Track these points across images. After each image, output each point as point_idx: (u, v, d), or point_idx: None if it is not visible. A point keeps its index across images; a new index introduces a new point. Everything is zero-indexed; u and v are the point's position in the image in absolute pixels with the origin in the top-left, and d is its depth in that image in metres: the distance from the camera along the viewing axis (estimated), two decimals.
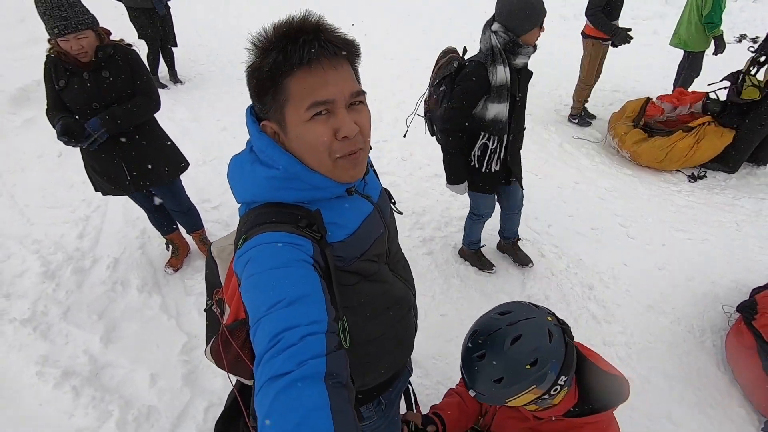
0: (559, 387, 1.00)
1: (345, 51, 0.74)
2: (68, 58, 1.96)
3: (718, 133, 3.58)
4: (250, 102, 0.81)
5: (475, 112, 2.09)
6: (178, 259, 2.72)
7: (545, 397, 1.01)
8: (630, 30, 3.88)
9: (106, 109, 2.07)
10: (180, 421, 1.95)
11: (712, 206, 3.41)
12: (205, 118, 4.57)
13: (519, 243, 2.87)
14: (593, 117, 4.61)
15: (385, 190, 1.02)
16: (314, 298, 0.66)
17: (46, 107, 2.08)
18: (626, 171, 3.86)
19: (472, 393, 1.06)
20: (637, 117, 4.07)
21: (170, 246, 2.73)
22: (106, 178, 2.27)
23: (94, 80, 2.02)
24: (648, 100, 4.10)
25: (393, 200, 1.01)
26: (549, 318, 1.05)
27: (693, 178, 3.68)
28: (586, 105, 4.61)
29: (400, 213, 1.07)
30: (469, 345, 1.07)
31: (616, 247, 3.03)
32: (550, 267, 2.87)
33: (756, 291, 2.42)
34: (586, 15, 4.01)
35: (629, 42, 3.90)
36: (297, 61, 0.69)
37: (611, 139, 4.10)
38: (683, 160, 3.65)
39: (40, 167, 3.77)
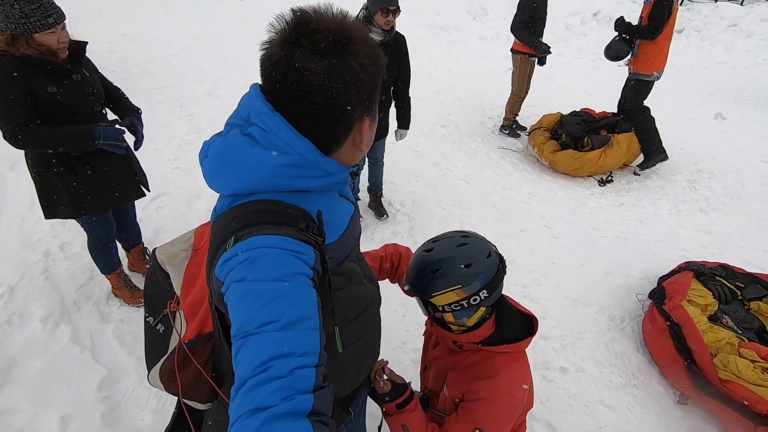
0: (479, 299, 1.13)
1: None
2: (47, 56, 1.71)
3: (625, 141, 4.03)
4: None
5: None
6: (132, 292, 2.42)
7: (465, 304, 1.13)
8: (549, 46, 4.25)
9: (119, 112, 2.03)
10: None
11: (620, 207, 3.80)
12: None
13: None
14: (524, 129, 4.91)
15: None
16: (310, 323, 0.61)
17: (13, 124, 1.69)
18: (546, 177, 4.19)
19: (407, 287, 1.21)
20: (552, 129, 4.46)
21: (123, 284, 2.41)
22: (117, 187, 2.11)
23: (86, 80, 1.85)
24: (561, 114, 4.52)
25: (357, 193, 0.99)
26: (494, 247, 1.20)
27: (602, 182, 4.09)
28: (517, 118, 4.93)
29: (360, 217, 1.05)
30: (422, 245, 1.23)
31: (544, 247, 3.24)
32: None
33: (662, 279, 2.72)
34: (512, 31, 4.33)
35: (550, 53, 4.27)
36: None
37: (531, 148, 4.44)
38: (595, 167, 4.05)
39: None
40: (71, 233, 2.79)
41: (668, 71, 8.22)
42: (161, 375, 0.91)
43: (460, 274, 1.11)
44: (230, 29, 7.95)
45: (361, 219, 3.08)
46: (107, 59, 5.69)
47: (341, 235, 0.79)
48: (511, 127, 4.88)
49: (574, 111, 4.55)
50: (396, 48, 2.68)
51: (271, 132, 0.69)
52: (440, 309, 1.16)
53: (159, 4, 8.54)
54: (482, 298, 1.13)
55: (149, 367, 0.99)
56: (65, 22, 1.75)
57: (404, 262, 1.39)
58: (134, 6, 8.31)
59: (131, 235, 2.49)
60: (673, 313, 2.32)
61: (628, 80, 4.19)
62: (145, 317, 1.05)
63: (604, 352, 2.47)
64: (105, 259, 2.30)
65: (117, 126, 1.95)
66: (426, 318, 1.46)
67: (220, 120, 3.35)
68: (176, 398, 0.95)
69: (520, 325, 1.23)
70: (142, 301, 2.34)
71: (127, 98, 2.17)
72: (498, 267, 1.15)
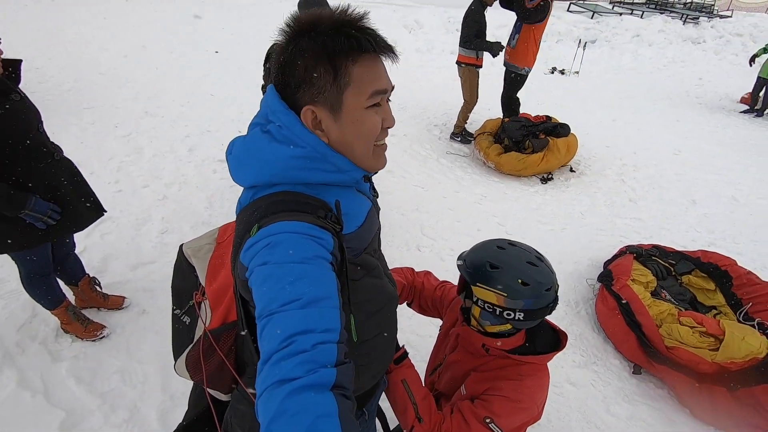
0: (512, 315, 1.13)
1: (393, 48, 0.76)
2: None
3: (564, 145, 4.37)
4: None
5: None
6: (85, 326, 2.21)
7: (497, 312, 1.14)
8: (500, 42, 4.54)
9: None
10: None
11: (562, 202, 4.12)
12: None
13: None
14: (471, 135, 5.15)
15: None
16: (330, 302, 0.64)
17: None
18: (494, 179, 4.43)
19: (459, 262, 1.21)
20: (495, 133, 4.74)
21: (73, 318, 2.18)
22: (75, 209, 1.94)
23: (25, 100, 1.74)
24: (502, 120, 4.83)
25: (376, 194, 1.01)
26: (557, 286, 1.19)
27: (544, 180, 4.40)
28: (466, 125, 5.17)
29: (378, 209, 1.07)
30: (498, 239, 1.23)
31: None
32: (450, 268, 3.08)
33: (607, 263, 2.99)
34: (465, 46, 4.58)
35: (503, 48, 4.56)
36: (367, 47, 0.71)
37: (478, 152, 4.68)
38: (537, 168, 4.35)
39: None
40: (4, 268, 2.52)
41: (586, 78, 9.03)
42: (187, 363, 0.94)
43: (513, 286, 1.11)
44: (162, 45, 7.61)
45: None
46: (25, 78, 5.22)
47: (359, 227, 0.83)
48: (461, 134, 5.12)
49: (514, 117, 4.87)
50: None
51: (286, 128, 0.74)
52: (474, 299, 1.18)
53: (76, 20, 8.00)
54: (516, 318, 1.13)
55: (176, 358, 1.02)
56: None
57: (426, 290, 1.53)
58: (47, 21, 7.71)
59: (74, 268, 2.28)
60: (621, 293, 2.56)
61: (507, 73, 4.80)
62: (173, 310, 1.08)
63: None
64: (46, 294, 2.10)
65: (51, 204, 1.82)
66: (441, 323, 1.50)
67: (162, 139, 3.34)
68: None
69: (549, 338, 1.26)
70: (98, 333, 2.19)
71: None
72: (547, 305, 1.15)
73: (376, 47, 0.72)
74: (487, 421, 1.08)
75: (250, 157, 0.77)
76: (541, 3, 4.30)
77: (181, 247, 1.07)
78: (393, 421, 1.46)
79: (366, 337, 0.90)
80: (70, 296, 2.32)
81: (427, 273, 1.62)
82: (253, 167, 0.77)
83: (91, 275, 2.37)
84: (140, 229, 3.11)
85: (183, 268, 1.06)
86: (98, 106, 4.97)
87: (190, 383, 2.04)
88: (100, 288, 2.38)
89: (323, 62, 0.70)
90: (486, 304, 1.15)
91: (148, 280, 2.63)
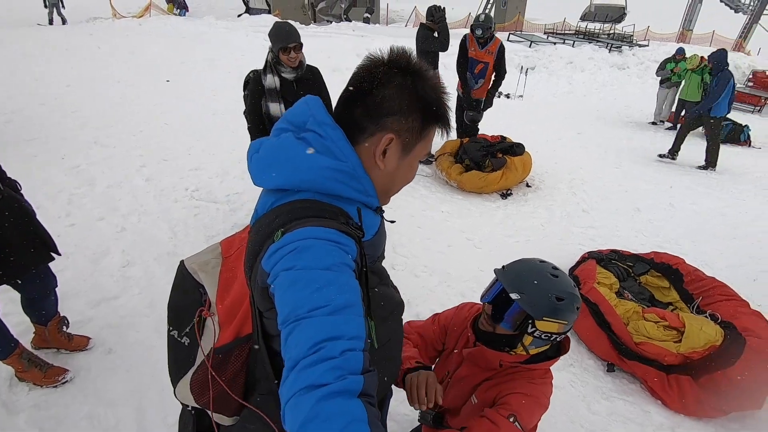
0: (559, 338, 1.19)
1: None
2: None
3: (520, 163, 4.64)
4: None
5: (264, 109, 2.72)
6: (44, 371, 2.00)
7: (549, 338, 1.17)
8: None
9: None
10: None
11: (522, 215, 4.33)
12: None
13: None
14: (432, 156, 5.28)
15: None
16: (356, 309, 0.66)
17: None
18: (458, 196, 4.60)
19: (516, 296, 1.14)
20: (455, 154, 4.95)
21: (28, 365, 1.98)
22: (18, 251, 1.78)
23: None
24: (461, 141, 5.06)
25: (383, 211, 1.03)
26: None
27: (504, 196, 4.63)
28: None
29: (392, 221, 1.09)
30: (540, 262, 1.23)
31: (470, 257, 3.53)
32: (426, 285, 3.14)
33: (572, 269, 3.16)
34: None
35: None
36: (445, 123, 0.84)
37: (440, 172, 4.85)
38: (497, 185, 4.57)
39: None
40: None
41: (529, 101, 9.65)
42: (192, 386, 0.90)
43: (573, 313, 1.16)
44: (108, 74, 7.33)
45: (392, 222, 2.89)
46: None
47: (373, 236, 0.86)
48: None
49: (473, 138, 5.12)
50: (314, 80, 2.80)
51: (329, 140, 0.77)
52: (530, 331, 1.16)
53: (11, 49, 7.55)
54: (560, 339, 1.19)
55: (174, 382, 0.96)
56: None
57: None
58: None
59: (50, 306, 2.11)
60: (589, 296, 2.71)
61: (485, 100, 5.25)
62: (169, 331, 1.01)
63: None
64: None
65: None
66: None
67: (116, 170, 3.23)
68: None
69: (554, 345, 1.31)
70: (60, 378, 2.01)
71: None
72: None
73: (449, 125, 0.86)
74: (512, 419, 1.12)
75: (280, 160, 0.78)
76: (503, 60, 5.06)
77: (182, 263, 1.03)
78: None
79: (379, 344, 0.91)
80: (24, 337, 2.11)
81: (410, 323, 1.59)
82: (281, 171, 0.78)
83: (61, 314, 2.18)
84: (99, 263, 2.91)
85: (185, 285, 1.01)
86: (41, 137, 4.68)
87: (169, 422, 1.92)
88: (67, 328, 2.19)
89: (420, 114, 0.79)
90: (544, 334, 1.17)
91: (115, 316, 2.45)
